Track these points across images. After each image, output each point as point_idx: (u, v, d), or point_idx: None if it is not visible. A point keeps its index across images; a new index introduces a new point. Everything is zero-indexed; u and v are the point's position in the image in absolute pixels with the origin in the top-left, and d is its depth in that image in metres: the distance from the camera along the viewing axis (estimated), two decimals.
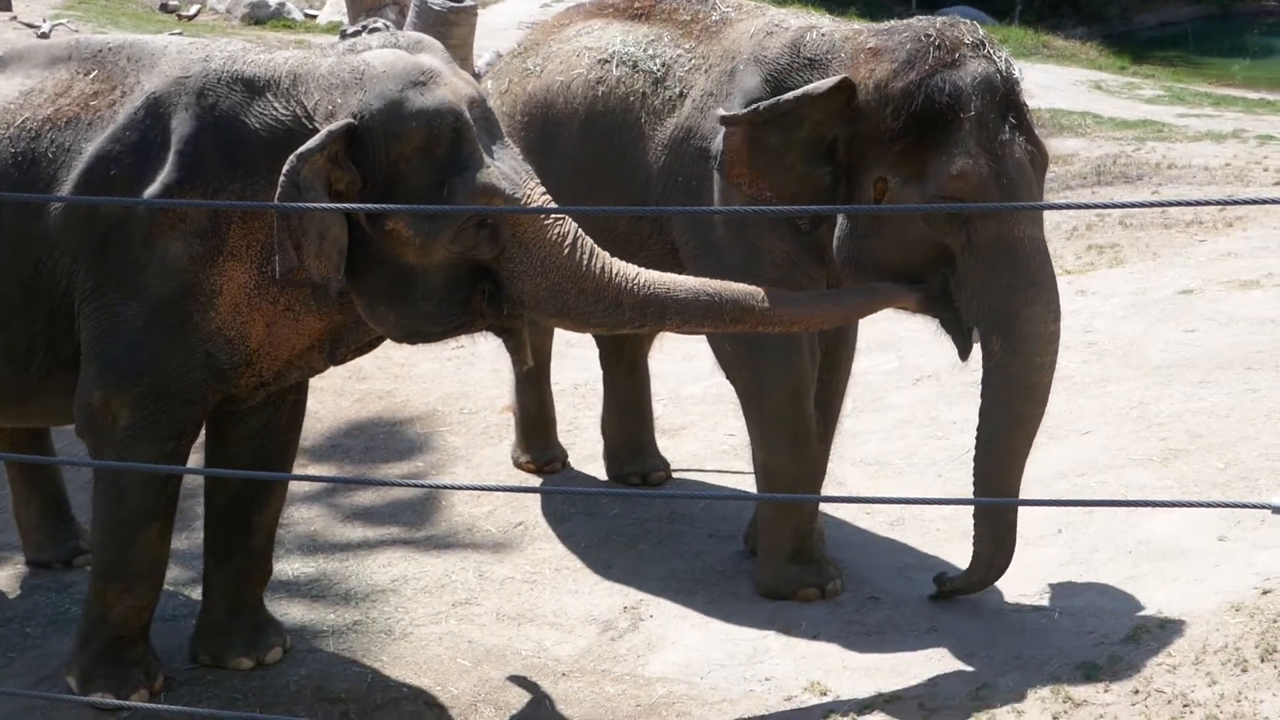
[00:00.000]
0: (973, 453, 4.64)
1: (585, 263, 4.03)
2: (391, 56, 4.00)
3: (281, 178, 3.77)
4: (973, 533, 4.68)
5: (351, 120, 3.88)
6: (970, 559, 4.72)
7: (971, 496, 4.69)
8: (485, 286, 4.03)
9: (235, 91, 4.03)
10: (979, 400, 4.55)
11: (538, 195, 4.04)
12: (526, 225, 4.00)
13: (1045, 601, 4.77)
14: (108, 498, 4.25)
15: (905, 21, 4.57)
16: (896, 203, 4.38)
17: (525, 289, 4.02)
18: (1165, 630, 4.46)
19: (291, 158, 3.79)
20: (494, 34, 15.05)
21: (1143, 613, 4.59)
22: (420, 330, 4.09)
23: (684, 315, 4.12)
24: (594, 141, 5.03)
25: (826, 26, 4.75)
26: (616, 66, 5.02)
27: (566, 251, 4.00)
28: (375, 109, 3.90)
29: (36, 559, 5.22)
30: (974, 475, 4.62)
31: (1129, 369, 6.63)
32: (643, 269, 4.12)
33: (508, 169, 4.00)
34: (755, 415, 4.90)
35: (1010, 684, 4.30)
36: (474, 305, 4.06)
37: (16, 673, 4.55)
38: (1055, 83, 15.31)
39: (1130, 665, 4.31)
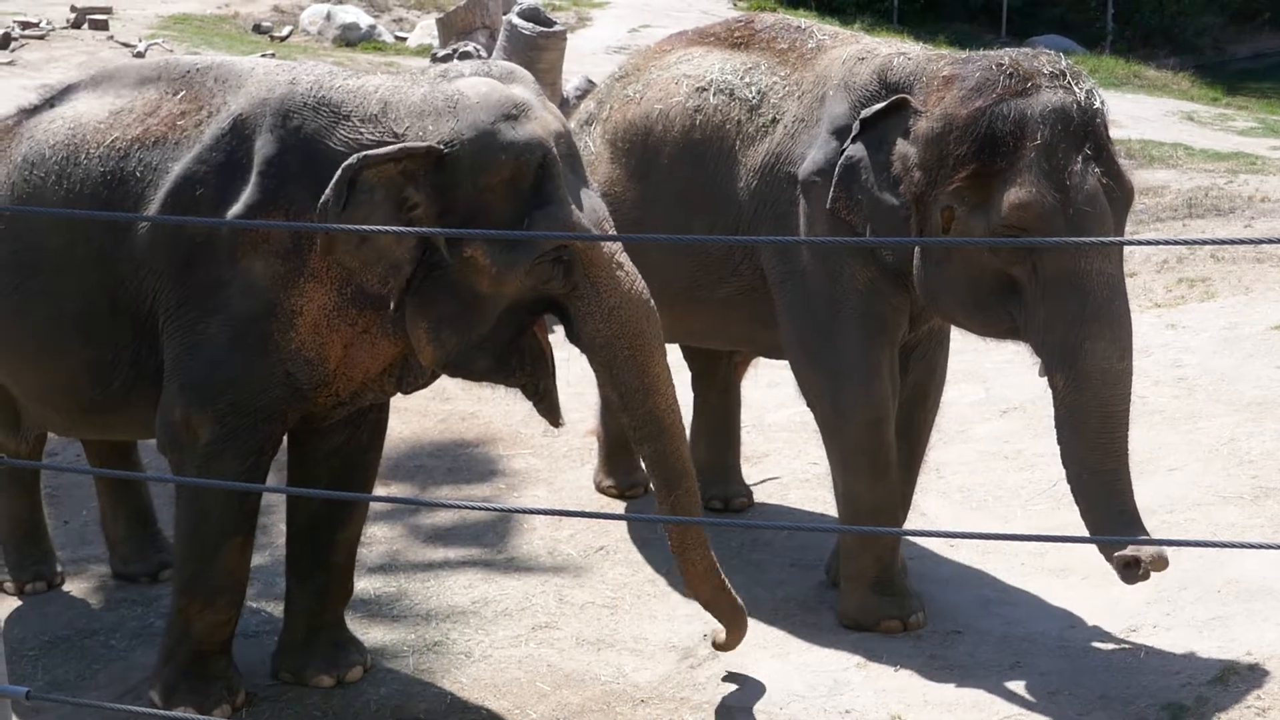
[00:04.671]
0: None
1: (648, 333, 4.14)
2: (485, 87, 4.03)
3: (339, 171, 3.82)
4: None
5: (436, 145, 3.91)
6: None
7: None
8: (529, 338, 4.13)
9: (321, 115, 4.06)
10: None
11: (617, 246, 4.14)
12: (601, 270, 4.08)
13: (1131, 640, 4.70)
14: (189, 513, 4.29)
15: (986, 52, 4.55)
16: (964, 233, 4.35)
17: (585, 330, 4.12)
18: (1254, 672, 4.38)
19: (355, 157, 3.84)
20: (583, 59, 15.11)
21: (1231, 654, 4.51)
22: (468, 362, 4.14)
23: (660, 457, 4.25)
24: (691, 167, 5.05)
25: (914, 53, 4.75)
26: (714, 94, 5.04)
27: (637, 312, 4.11)
28: (466, 138, 3.94)
29: (123, 572, 5.28)
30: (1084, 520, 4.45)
31: (1220, 405, 6.53)
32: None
33: (588, 208, 4.08)
34: (835, 443, 4.89)
35: None
36: (518, 347, 4.14)
37: (100, 685, 4.60)
38: (1146, 113, 15.17)
39: (1218, 707, 4.23)
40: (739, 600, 4.49)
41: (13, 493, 5.15)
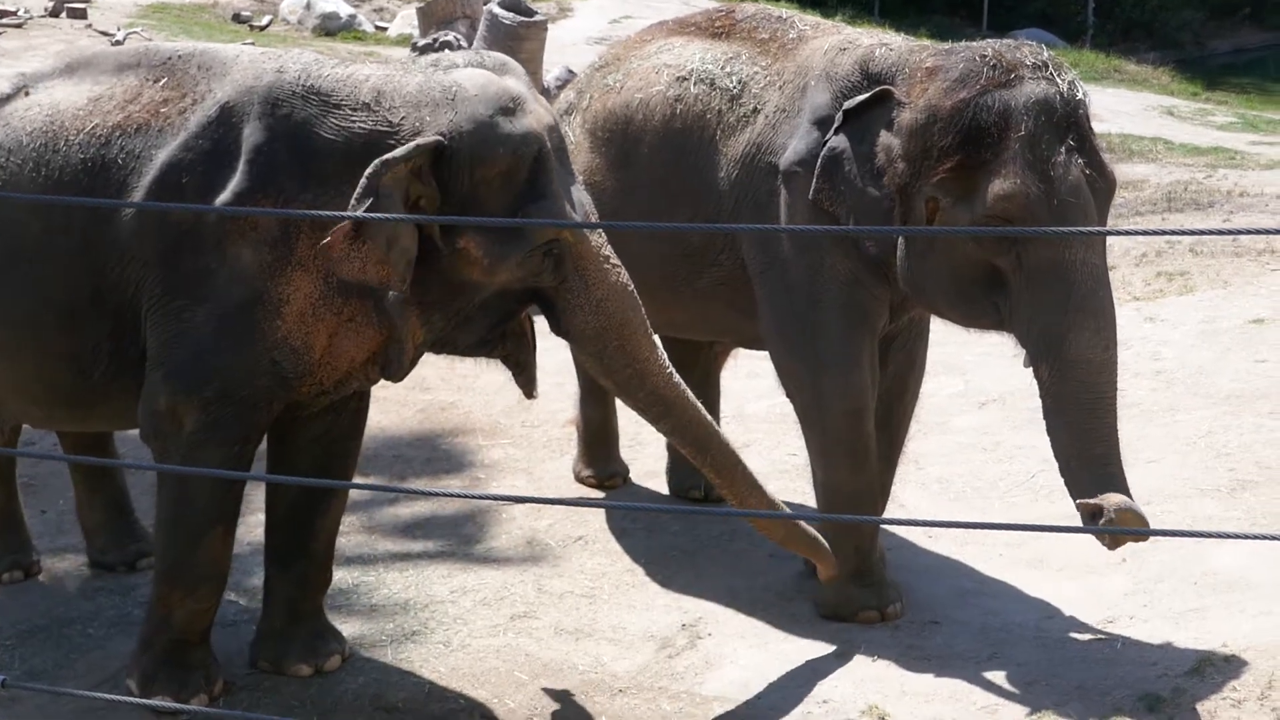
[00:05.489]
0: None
1: (635, 321, 4.18)
2: (483, 79, 4.05)
3: (363, 179, 3.83)
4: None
5: (440, 138, 3.91)
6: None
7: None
8: (522, 309, 4.19)
9: (310, 103, 4.05)
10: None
11: (603, 239, 4.17)
12: (590, 263, 4.12)
13: (1108, 631, 4.72)
14: (172, 501, 4.27)
15: (969, 43, 4.55)
16: (948, 223, 4.35)
17: (575, 322, 4.16)
18: (1230, 664, 4.39)
19: (376, 163, 3.85)
20: (564, 49, 15.10)
21: (1207, 645, 4.52)
22: (453, 340, 4.23)
23: (678, 428, 4.30)
24: (671, 157, 5.05)
25: (896, 44, 4.75)
26: (695, 84, 5.04)
27: (623, 303, 4.16)
28: (465, 130, 3.95)
29: (100, 561, 5.26)
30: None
31: (1198, 398, 6.55)
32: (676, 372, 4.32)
33: (576, 202, 4.13)
34: (814, 433, 4.89)
35: (1071, 714, 4.25)
36: (503, 329, 4.22)
37: (78, 673, 4.58)
38: (1126, 108, 15.22)
39: (1194, 698, 4.25)
40: (813, 531, 4.48)
41: None
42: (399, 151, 3.88)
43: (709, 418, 4.32)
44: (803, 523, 4.47)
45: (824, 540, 4.51)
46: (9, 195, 4.27)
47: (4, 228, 4.33)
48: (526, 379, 4.34)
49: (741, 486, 4.32)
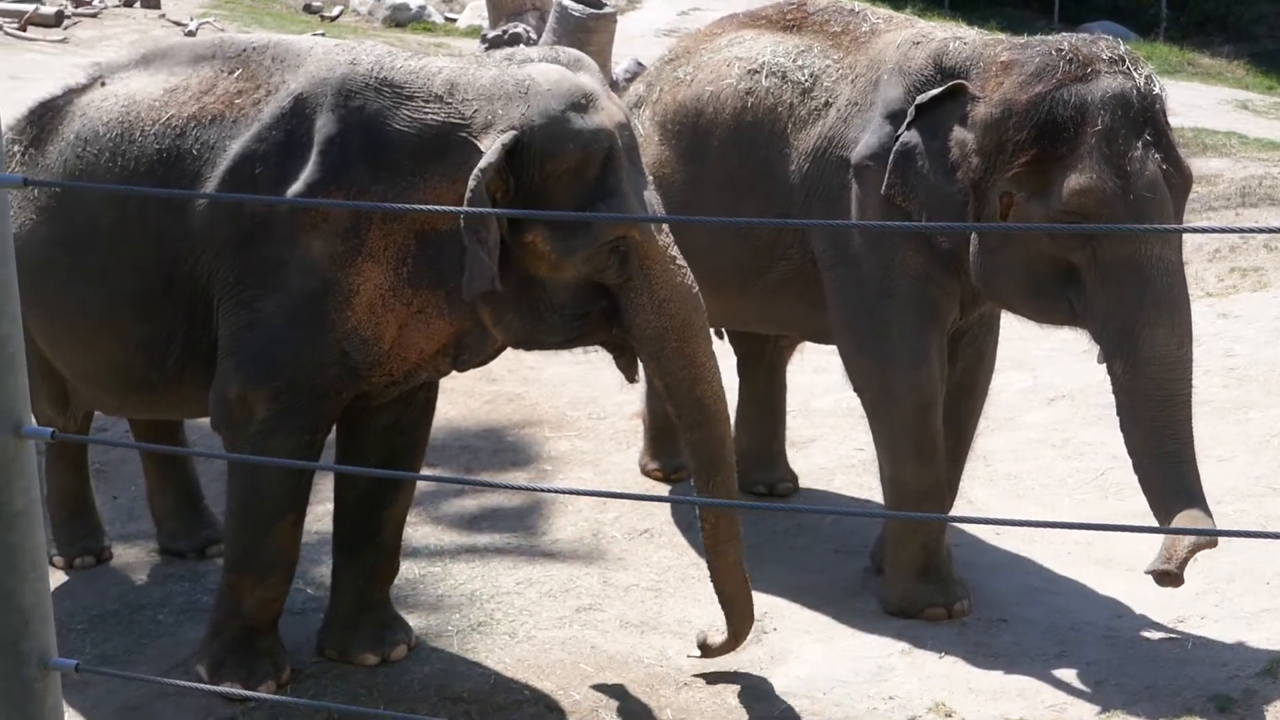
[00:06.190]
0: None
1: (697, 324, 4.17)
2: (556, 74, 4.05)
3: (469, 193, 3.85)
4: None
5: (516, 131, 3.91)
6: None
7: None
8: (604, 304, 4.15)
9: (383, 95, 4.07)
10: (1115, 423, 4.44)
11: (669, 239, 4.16)
12: (655, 262, 4.11)
13: (1179, 631, 4.68)
14: (242, 489, 4.30)
15: (1044, 37, 4.52)
16: (1023, 218, 4.33)
17: (636, 320, 4.15)
18: None
19: (476, 171, 3.87)
20: (632, 41, 15.09)
21: None
22: (538, 339, 4.21)
23: (703, 442, 4.27)
24: (741, 150, 5.04)
25: (970, 38, 4.73)
26: (766, 77, 5.02)
27: (686, 304, 4.14)
28: (537, 124, 3.96)
29: (170, 548, 5.31)
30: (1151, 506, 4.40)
31: (1271, 395, 6.48)
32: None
33: (646, 203, 4.12)
34: (882, 428, 4.87)
35: (1141, 714, 4.22)
36: (592, 321, 4.17)
37: (148, 659, 4.63)
38: (1200, 101, 15.02)
39: (1266, 700, 4.21)
40: (753, 603, 4.46)
41: (61, 468, 5.18)
42: (490, 157, 3.89)
43: (733, 447, 4.32)
44: (750, 594, 4.41)
45: (752, 622, 4.46)
46: (84, 185, 4.32)
47: (79, 216, 4.38)
48: (627, 361, 4.32)
49: (724, 526, 4.29)
